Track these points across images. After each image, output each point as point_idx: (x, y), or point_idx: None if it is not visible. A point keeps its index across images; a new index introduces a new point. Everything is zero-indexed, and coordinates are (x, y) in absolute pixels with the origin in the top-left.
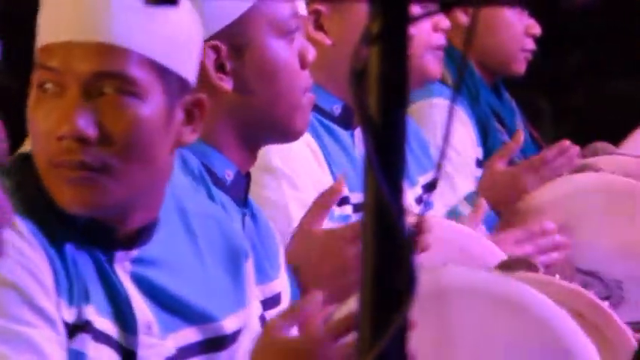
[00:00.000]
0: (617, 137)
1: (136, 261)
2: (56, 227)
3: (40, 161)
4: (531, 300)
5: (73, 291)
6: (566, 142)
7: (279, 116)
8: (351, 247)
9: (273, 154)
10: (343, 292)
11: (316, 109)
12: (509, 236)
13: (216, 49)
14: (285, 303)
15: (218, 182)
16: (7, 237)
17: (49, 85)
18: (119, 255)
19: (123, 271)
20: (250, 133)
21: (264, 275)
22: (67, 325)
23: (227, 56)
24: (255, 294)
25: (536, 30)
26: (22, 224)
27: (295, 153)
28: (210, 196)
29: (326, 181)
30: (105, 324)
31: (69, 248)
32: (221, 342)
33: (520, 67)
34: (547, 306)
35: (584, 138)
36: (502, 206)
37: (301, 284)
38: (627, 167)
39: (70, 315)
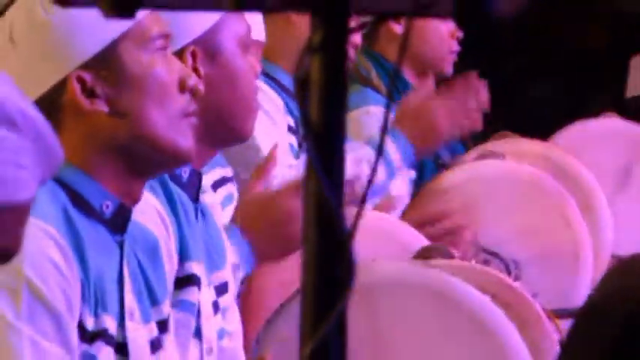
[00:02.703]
0: (540, 139)
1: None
2: (81, 226)
3: (166, 115)
4: (450, 285)
5: (94, 301)
6: (473, 74)
7: (236, 117)
8: (290, 201)
9: None
10: (285, 244)
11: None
12: (410, 221)
13: (193, 55)
14: (231, 291)
15: (174, 178)
16: (46, 249)
17: (156, 46)
18: (126, 239)
19: (126, 255)
20: (207, 134)
21: (213, 265)
22: (86, 331)
23: (201, 61)
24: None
25: (459, 33)
26: (59, 236)
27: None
28: (168, 192)
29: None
30: (114, 328)
31: (92, 256)
32: (165, 325)
33: (449, 69)
34: (466, 291)
35: None
36: (414, 136)
37: (251, 241)
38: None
39: (91, 323)
